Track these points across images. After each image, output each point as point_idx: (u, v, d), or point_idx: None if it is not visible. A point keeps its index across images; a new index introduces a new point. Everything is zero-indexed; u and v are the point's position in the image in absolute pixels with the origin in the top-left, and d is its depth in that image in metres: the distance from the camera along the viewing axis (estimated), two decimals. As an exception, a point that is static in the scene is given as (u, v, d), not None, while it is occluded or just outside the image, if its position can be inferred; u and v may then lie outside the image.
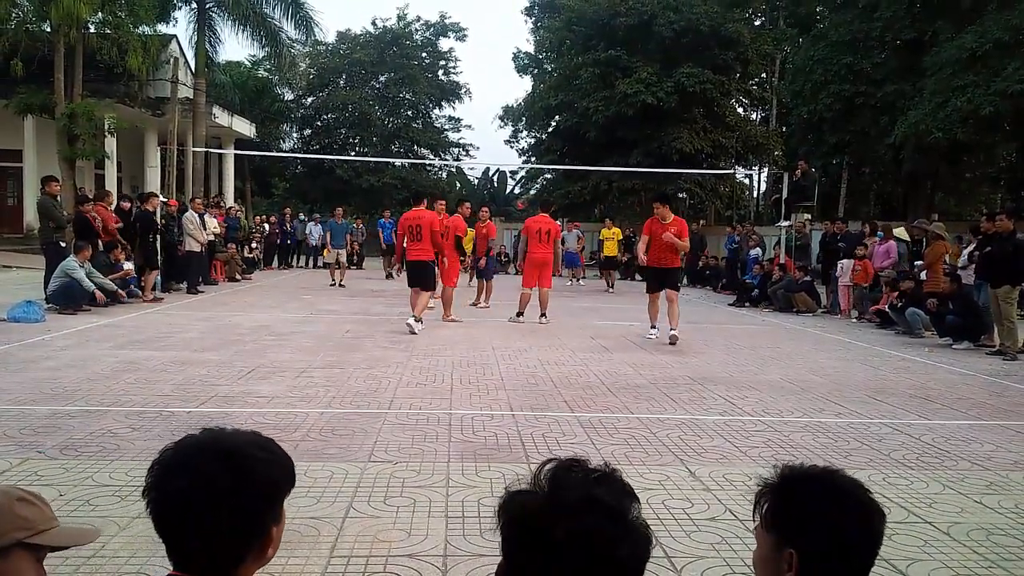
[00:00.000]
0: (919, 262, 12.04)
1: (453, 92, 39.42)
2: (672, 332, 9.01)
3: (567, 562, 1.00)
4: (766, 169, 33.91)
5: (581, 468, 1.09)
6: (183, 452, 1.16)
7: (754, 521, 1.32)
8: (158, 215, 13.25)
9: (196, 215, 13.88)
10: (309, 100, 37.44)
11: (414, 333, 9.14)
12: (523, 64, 39.69)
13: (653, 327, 9.58)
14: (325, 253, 22.35)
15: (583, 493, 1.03)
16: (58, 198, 10.85)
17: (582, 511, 1.01)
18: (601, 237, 18.79)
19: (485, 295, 13.32)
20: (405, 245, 10.11)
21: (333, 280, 16.87)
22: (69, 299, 10.04)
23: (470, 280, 16.53)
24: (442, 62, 39.36)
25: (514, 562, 1.05)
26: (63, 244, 10.86)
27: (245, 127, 28.78)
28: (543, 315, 10.86)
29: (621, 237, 19.43)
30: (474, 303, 13.12)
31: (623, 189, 27.17)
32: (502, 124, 40.56)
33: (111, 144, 20.68)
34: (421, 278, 10.00)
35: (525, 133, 37.86)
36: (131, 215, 13.00)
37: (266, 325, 9.69)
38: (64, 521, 1.22)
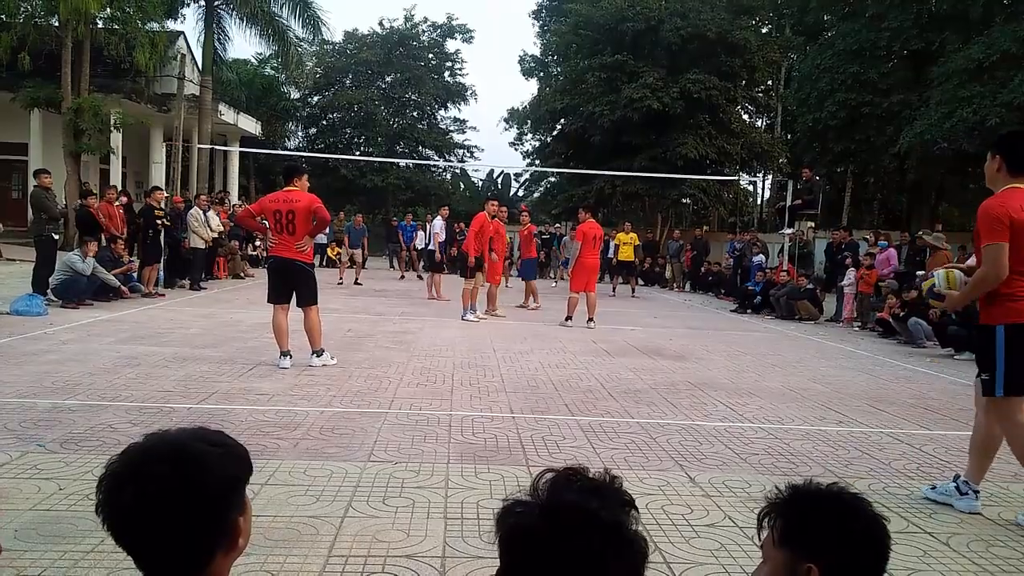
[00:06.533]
0: (921, 272, 12.02)
1: (459, 94, 39.51)
2: None
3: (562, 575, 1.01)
4: (770, 176, 33.92)
5: (579, 478, 1.09)
6: (129, 461, 1.14)
7: (760, 537, 1.32)
8: (162, 204, 13.27)
9: (201, 212, 13.92)
10: (315, 99, 37.52)
11: (324, 365, 6.85)
12: (529, 67, 39.75)
13: None
14: (330, 252, 22.52)
15: (578, 508, 1.04)
16: (51, 191, 10.91)
17: (576, 527, 1.02)
18: (616, 242, 18.72)
19: (533, 297, 13.69)
20: (270, 238, 6.85)
21: (341, 279, 16.94)
22: (72, 293, 10.06)
23: (506, 282, 17.13)
24: (448, 63, 39.47)
25: (511, 572, 1.06)
26: (56, 236, 10.90)
27: (251, 125, 28.83)
28: (591, 319, 10.96)
29: (638, 243, 19.39)
30: (523, 304, 13.56)
31: (627, 194, 27.16)
32: (507, 126, 40.66)
33: (116, 139, 20.73)
34: (299, 287, 6.78)
35: (530, 136, 37.91)
36: (131, 209, 13.07)
37: (268, 323, 9.66)
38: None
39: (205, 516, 1.13)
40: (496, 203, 12.09)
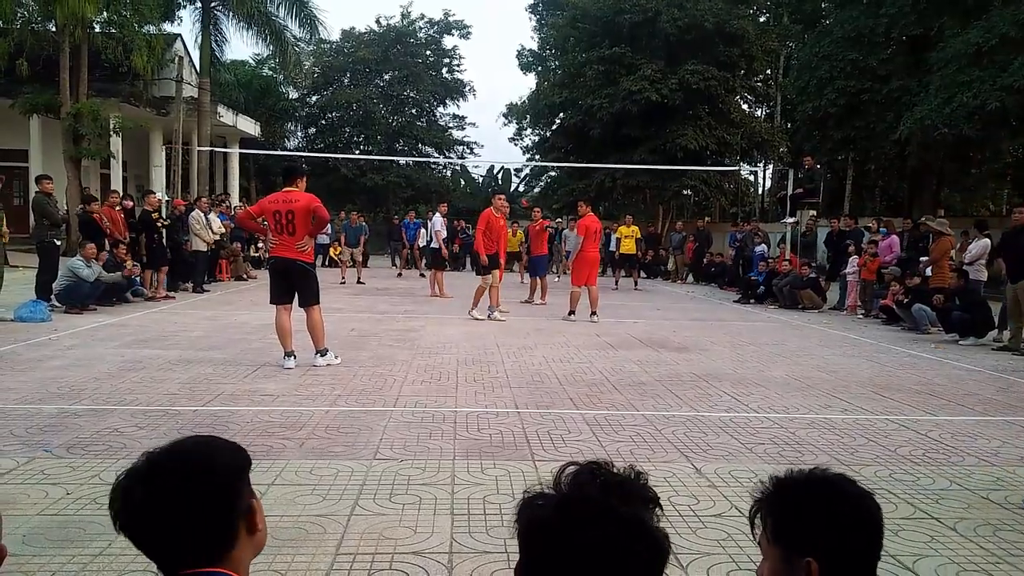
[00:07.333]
0: (924, 258, 12.00)
1: (457, 90, 39.44)
2: None
3: (578, 569, 1.01)
4: (771, 166, 33.85)
5: (603, 473, 1.08)
6: (139, 468, 1.21)
7: (754, 535, 1.31)
8: (162, 211, 13.29)
9: (202, 214, 13.92)
10: (313, 99, 37.49)
11: (328, 364, 6.86)
12: (527, 61, 39.64)
13: None
14: (332, 251, 22.57)
15: (593, 500, 1.03)
16: (52, 196, 10.92)
17: (590, 519, 1.01)
18: (618, 235, 18.70)
19: (541, 293, 13.65)
20: (270, 239, 6.83)
21: (343, 278, 16.97)
22: (75, 298, 10.07)
23: (522, 279, 17.19)
24: (446, 60, 39.37)
25: (529, 565, 1.07)
26: (58, 242, 10.92)
27: (250, 126, 28.80)
28: (593, 313, 10.93)
29: (640, 235, 19.42)
30: (528, 300, 13.55)
31: (627, 187, 27.13)
32: (506, 122, 40.60)
33: (116, 143, 20.72)
34: (300, 287, 6.78)
35: (529, 131, 37.84)
36: (134, 214, 13.09)
37: (271, 324, 9.67)
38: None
39: (216, 504, 1.19)
40: (502, 197, 11.66)
